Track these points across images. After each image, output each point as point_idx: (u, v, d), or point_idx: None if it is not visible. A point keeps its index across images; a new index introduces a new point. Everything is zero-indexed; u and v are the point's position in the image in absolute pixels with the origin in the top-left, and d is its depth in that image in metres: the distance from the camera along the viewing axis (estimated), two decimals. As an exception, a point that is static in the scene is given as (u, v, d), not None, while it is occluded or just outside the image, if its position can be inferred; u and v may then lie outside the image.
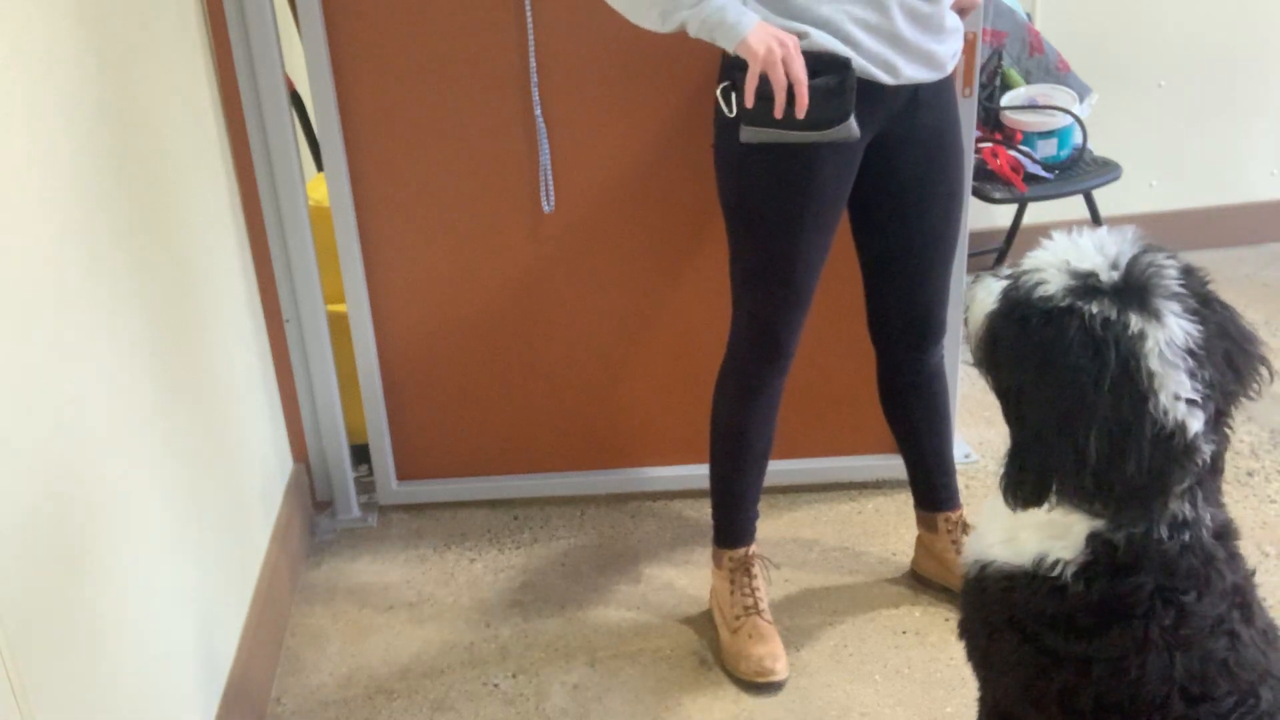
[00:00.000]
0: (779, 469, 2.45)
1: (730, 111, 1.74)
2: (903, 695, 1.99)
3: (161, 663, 1.60)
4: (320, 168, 2.34)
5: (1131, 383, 1.12)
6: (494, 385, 2.45)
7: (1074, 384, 1.13)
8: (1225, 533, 1.25)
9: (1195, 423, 1.13)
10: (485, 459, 2.53)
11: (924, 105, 1.80)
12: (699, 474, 2.47)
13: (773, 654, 2.01)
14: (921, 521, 2.21)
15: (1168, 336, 1.12)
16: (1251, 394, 1.20)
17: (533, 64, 2.16)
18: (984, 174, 3.01)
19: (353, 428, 2.54)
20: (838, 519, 2.45)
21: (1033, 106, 3.07)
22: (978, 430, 2.78)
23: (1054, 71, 3.17)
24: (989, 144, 3.04)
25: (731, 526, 2.11)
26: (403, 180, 2.28)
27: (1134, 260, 1.15)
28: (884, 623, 2.16)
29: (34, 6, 1.37)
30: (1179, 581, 1.19)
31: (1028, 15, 3.25)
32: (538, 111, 2.19)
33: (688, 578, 2.31)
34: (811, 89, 1.65)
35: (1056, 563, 1.22)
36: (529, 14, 2.12)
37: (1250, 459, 2.61)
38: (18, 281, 1.27)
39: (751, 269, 1.90)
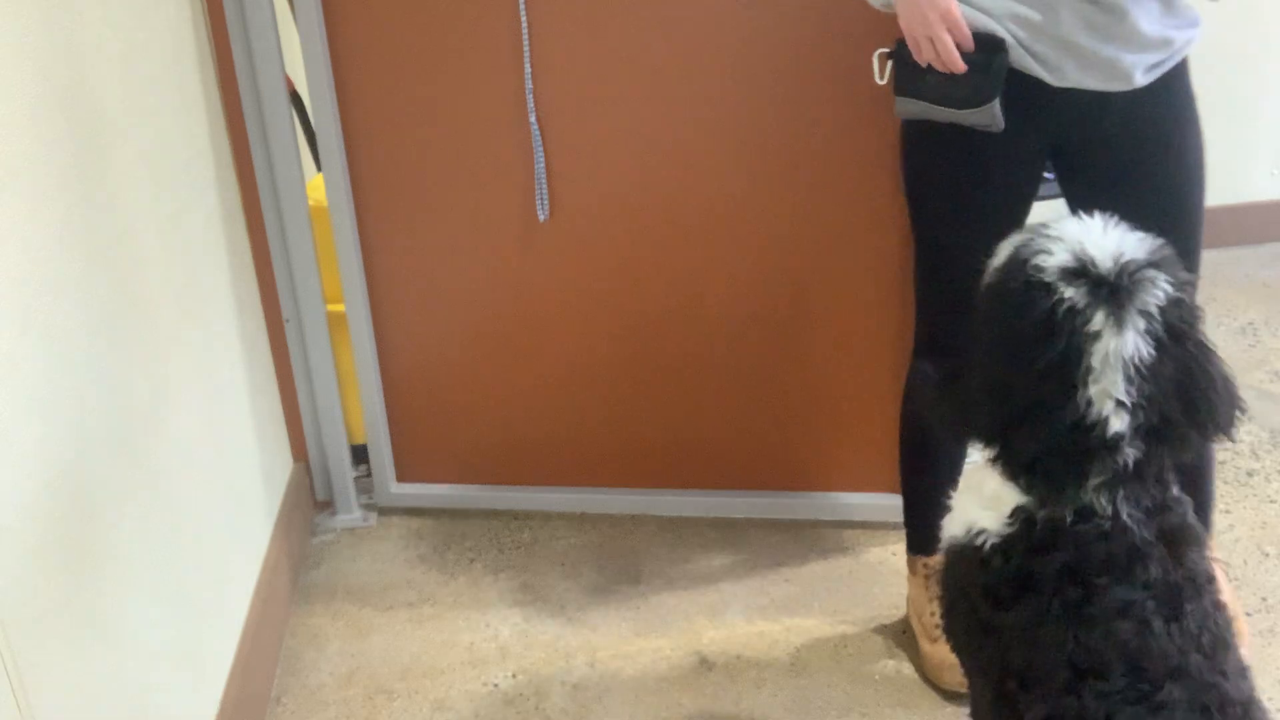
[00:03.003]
0: (780, 502, 2.46)
1: (880, 79, 1.71)
2: (903, 695, 1.99)
3: (161, 662, 1.60)
4: (320, 168, 2.34)
5: (1068, 371, 1.19)
6: (494, 391, 2.45)
7: (1016, 355, 1.22)
8: (1175, 537, 1.27)
9: (1118, 423, 1.20)
10: (485, 466, 2.53)
11: (1116, 112, 1.67)
12: (703, 501, 2.48)
13: None
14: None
15: (1118, 345, 1.18)
16: (1206, 433, 1.25)
17: (528, 70, 2.15)
18: (984, 174, 3.01)
19: (353, 428, 2.55)
20: (838, 519, 2.45)
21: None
22: (978, 430, 2.77)
23: (1054, 71, 3.16)
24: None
25: (925, 531, 2.02)
26: (402, 180, 2.28)
27: (1133, 266, 1.20)
28: (884, 623, 2.16)
29: (34, 7, 1.37)
30: (1093, 564, 1.23)
31: (1027, 15, 3.24)
32: (532, 119, 2.18)
33: (688, 578, 2.31)
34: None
35: (981, 533, 1.30)
36: (523, 16, 2.11)
37: (1250, 459, 2.61)
38: (17, 281, 1.27)
39: (921, 263, 1.87)
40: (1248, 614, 2.13)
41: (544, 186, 2.23)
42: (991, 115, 1.63)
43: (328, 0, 2.15)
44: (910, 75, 1.67)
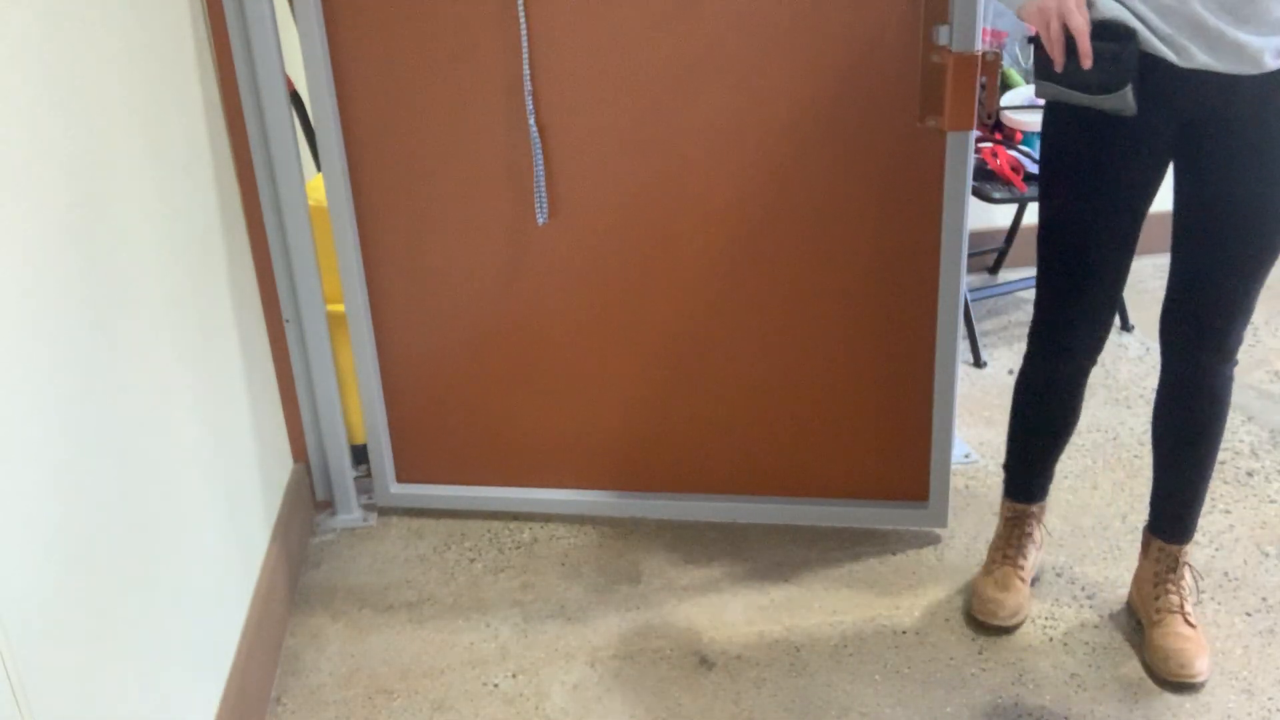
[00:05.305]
0: (781, 509, 2.46)
1: (1025, 63, 1.86)
2: (903, 695, 1.99)
3: (161, 662, 1.60)
4: (320, 168, 2.34)
5: None
6: (494, 392, 2.45)
7: None
8: None
9: None
10: (485, 466, 2.53)
11: (1245, 97, 1.70)
12: (703, 506, 2.49)
13: (1000, 600, 2.11)
14: (1142, 541, 2.15)
15: None
16: None
17: (527, 71, 2.15)
18: (984, 174, 3.01)
19: (353, 428, 2.55)
20: (839, 525, 2.45)
21: (1033, 106, 3.07)
22: (978, 430, 2.78)
23: (1054, 71, 3.16)
24: (989, 144, 3.04)
25: (1015, 482, 2.21)
26: (402, 181, 2.28)
27: None
28: (884, 623, 2.16)
29: (33, 7, 1.37)
30: None
31: (1028, 15, 3.24)
32: (531, 121, 2.18)
33: (688, 578, 2.31)
34: (1093, 51, 1.69)
35: None
36: (522, 17, 2.12)
37: (1250, 459, 2.61)
38: (16, 281, 1.27)
39: (1043, 241, 1.95)
40: (1247, 614, 2.13)
41: (543, 189, 2.23)
42: (1125, 101, 1.70)
43: (328, 0, 2.15)
44: (1048, 61, 1.75)
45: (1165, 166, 1.84)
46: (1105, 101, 1.72)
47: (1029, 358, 2.07)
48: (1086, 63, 1.65)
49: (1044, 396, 2.08)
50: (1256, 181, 1.75)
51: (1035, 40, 1.79)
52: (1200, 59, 1.68)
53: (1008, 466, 2.22)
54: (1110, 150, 1.81)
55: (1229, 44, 1.66)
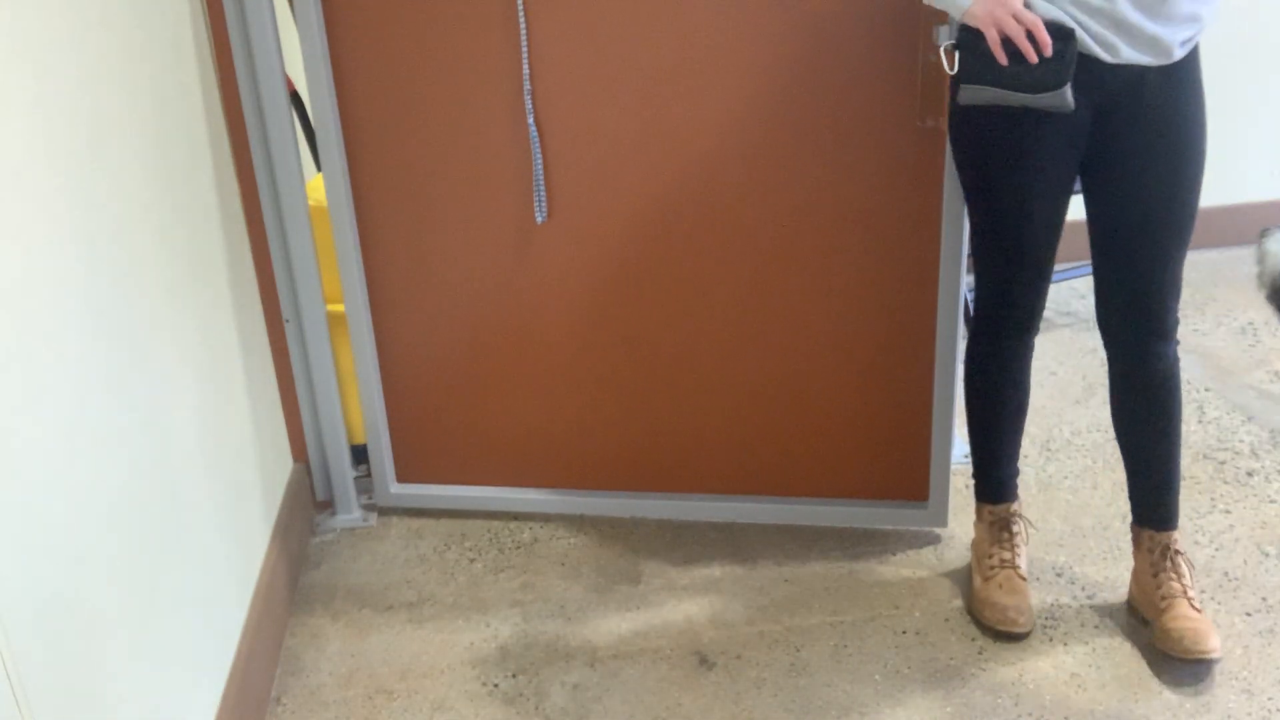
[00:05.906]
0: (780, 509, 2.46)
1: (951, 69, 1.84)
2: (903, 695, 1.99)
3: (161, 662, 1.60)
4: (320, 168, 2.34)
5: None
6: (494, 392, 2.45)
7: None
8: None
9: None
10: (485, 466, 2.53)
11: (1151, 87, 1.81)
12: (703, 506, 2.49)
13: (1018, 607, 2.09)
14: (1132, 537, 2.16)
15: None
16: None
17: (526, 70, 2.15)
18: (984, 174, 3.00)
19: (353, 428, 2.55)
20: (838, 525, 2.45)
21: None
22: (978, 430, 2.78)
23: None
24: (989, 144, 3.04)
25: (989, 483, 2.21)
26: (402, 180, 2.28)
27: None
28: (884, 623, 2.16)
29: (33, 7, 1.37)
30: None
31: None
32: (530, 120, 2.18)
33: (688, 578, 2.31)
34: (1038, 51, 1.74)
35: None
36: (522, 17, 2.12)
37: (1250, 459, 2.61)
38: (16, 281, 1.27)
39: (981, 234, 2.00)
40: (1247, 614, 2.13)
41: (542, 188, 2.23)
42: (1063, 99, 1.76)
43: (328, 0, 2.15)
44: (982, 64, 1.79)
45: (1082, 152, 1.91)
46: (1044, 100, 1.77)
47: (976, 343, 2.12)
48: (1048, 51, 1.72)
49: (998, 376, 2.11)
50: (1165, 165, 1.85)
51: (959, 45, 1.80)
52: (1126, 54, 1.78)
53: (978, 470, 2.22)
54: (1035, 145, 1.87)
55: (1147, 37, 1.77)
